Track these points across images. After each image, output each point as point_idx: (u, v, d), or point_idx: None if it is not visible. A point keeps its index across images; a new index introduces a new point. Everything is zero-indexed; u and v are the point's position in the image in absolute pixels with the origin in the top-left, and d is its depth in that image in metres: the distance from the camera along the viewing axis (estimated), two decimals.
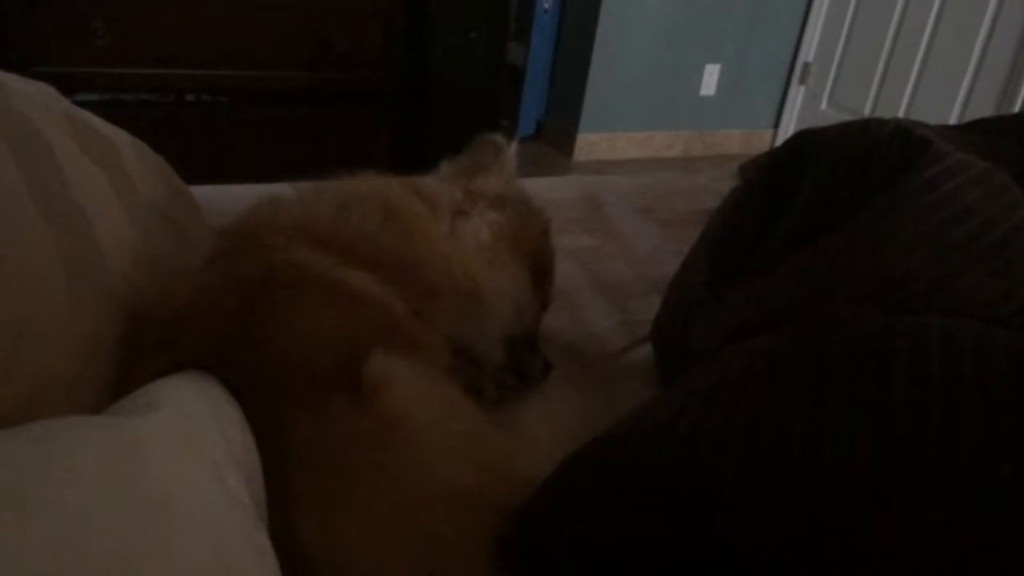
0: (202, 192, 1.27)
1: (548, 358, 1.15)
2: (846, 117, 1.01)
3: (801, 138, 0.97)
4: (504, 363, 1.07)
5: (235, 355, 0.75)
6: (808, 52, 4.53)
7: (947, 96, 3.83)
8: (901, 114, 3.99)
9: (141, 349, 0.79)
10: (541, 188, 1.93)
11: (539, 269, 1.12)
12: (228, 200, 1.25)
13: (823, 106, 4.48)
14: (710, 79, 4.46)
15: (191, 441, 0.61)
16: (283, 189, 1.00)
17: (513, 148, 1.12)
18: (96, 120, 1.03)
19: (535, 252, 1.11)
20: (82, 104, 1.03)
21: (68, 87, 1.06)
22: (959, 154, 0.79)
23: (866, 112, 4.18)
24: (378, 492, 0.69)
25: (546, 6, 4.19)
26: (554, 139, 4.39)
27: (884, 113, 4.03)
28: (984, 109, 3.67)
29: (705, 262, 1.07)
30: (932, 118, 1.17)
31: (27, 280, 0.67)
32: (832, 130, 0.93)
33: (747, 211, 1.01)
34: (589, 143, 4.30)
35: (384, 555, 0.67)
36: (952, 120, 3.71)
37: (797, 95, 4.64)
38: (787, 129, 4.67)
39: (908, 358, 0.57)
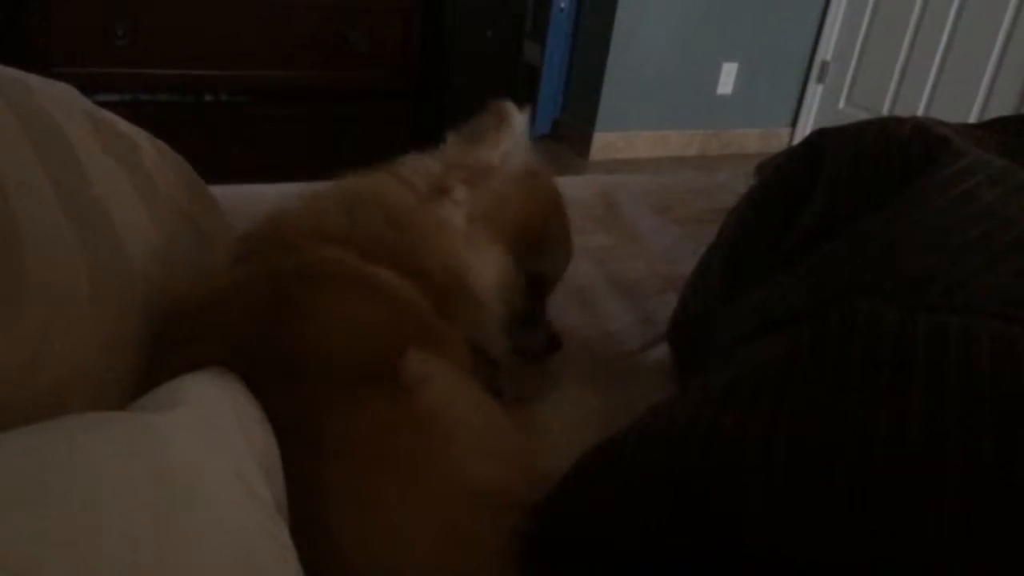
0: (222, 191, 1.28)
1: (558, 333, 1.13)
2: (864, 116, 1.01)
3: (818, 137, 0.97)
4: (507, 345, 1.05)
5: (264, 348, 0.76)
6: (826, 50, 4.51)
7: (967, 95, 3.81)
8: (920, 113, 3.96)
9: (167, 344, 0.79)
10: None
11: (534, 242, 1.07)
12: (248, 199, 1.26)
13: (841, 105, 4.46)
14: (727, 78, 4.45)
15: (213, 438, 0.61)
16: (301, 188, 1.00)
17: (522, 115, 1.07)
18: (117, 120, 1.04)
19: (523, 227, 1.05)
20: (103, 104, 1.04)
21: (89, 87, 1.07)
22: (977, 152, 0.79)
23: (885, 111, 4.16)
24: (409, 485, 0.70)
25: (562, 5, 4.19)
26: (570, 138, 4.38)
27: (903, 112, 4.00)
28: (1004, 107, 3.64)
29: (722, 261, 1.07)
30: (951, 117, 1.16)
31: (52, 279, 0.67)
32: (849, 129, 0.93)
33: (764, 210, 1.01)
34: (605, 142, 4.30)
35: (412, 547, 0.68)
36: (972, 119, 3.68)
37: (815, 94, 4.61)
38: (805, 128, 4.65)
39: (926, 357, 0.57)
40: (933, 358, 0.57)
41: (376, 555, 0.67)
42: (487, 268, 1.01)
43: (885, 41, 4.19)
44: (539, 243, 1.08)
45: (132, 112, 1.13)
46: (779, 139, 4.70)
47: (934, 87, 3.99)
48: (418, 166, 1.04)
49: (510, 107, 1.04)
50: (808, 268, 0.82)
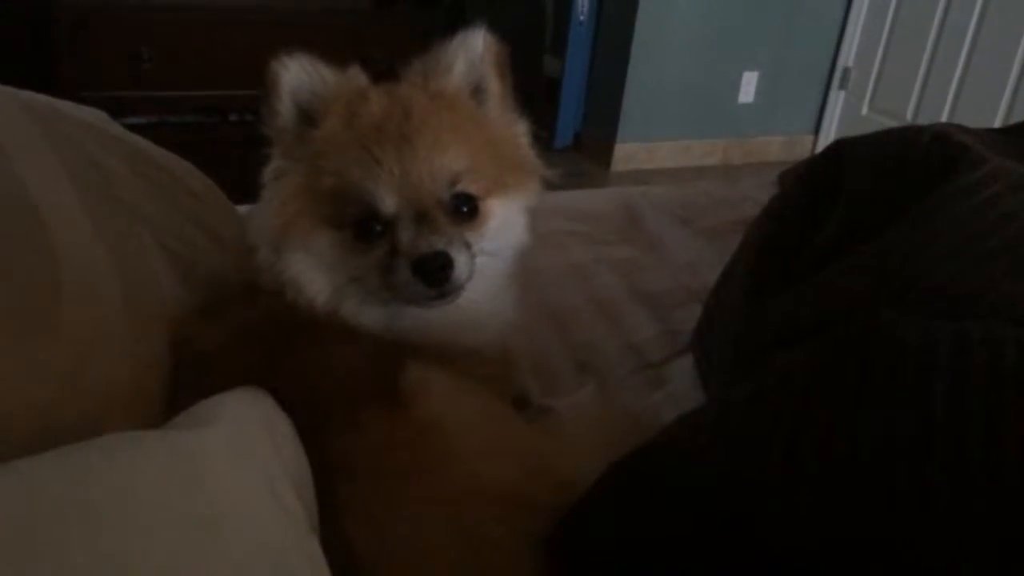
0: (248, 212, 1.30)
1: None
2: (887, 122, 1.01)
3: (839, 146, 0.97)
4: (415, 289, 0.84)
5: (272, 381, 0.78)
6: (848, 56, 4.49)
7: (991, 99, 3.76)
8: (944, 117, 3.91)
9: (189, 379, 0.81)
10: (580, 199, 1.94)
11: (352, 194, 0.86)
12: None
13: (864, 111, 4.43)
14: (748, 86, 4.44)
15: (246, 454, 0.62)
16: None
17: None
18: (147, 144, 1.06)
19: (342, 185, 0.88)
20: (130, 127, 1.06)
21: (117, 111, 1.10)
22: (998, 159, 0.79)
23: (908, 116, 4.12)
24: (421, 493, 0.72)
25: (582, 18, 4.20)
26: (592, 150, 4.39)
27: (926, 116, 3.96)
28: None
29: (746, 271, 1.07)
30: (976, 121, 1.16)
31: (87, 306, 0.69)
32: (870, 138, 0.93)
33: (787, 220, 1.01)
34: (627, 153, 4.30)
35: (430, 553, 0.69)
36: (997, 123, 3.65)
37: (837, 100, 4.59)
38: (827, 134, 4.62)
39: (950, 364, 0.57)
40: (956, 365, 0.57)
41: (395, 564, 0.68)
42: (321, 251, 0.88)
43: (907, 46, 4.16)
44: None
45: (159, 134, 1.16)
46: (802, 146, 4.68)
47: (958, 91, 3.95)
48: None
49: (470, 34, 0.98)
50: (830, 278, 0.82)
